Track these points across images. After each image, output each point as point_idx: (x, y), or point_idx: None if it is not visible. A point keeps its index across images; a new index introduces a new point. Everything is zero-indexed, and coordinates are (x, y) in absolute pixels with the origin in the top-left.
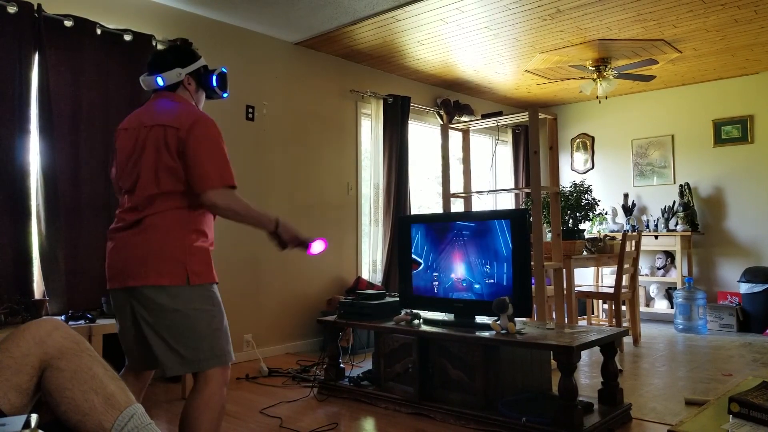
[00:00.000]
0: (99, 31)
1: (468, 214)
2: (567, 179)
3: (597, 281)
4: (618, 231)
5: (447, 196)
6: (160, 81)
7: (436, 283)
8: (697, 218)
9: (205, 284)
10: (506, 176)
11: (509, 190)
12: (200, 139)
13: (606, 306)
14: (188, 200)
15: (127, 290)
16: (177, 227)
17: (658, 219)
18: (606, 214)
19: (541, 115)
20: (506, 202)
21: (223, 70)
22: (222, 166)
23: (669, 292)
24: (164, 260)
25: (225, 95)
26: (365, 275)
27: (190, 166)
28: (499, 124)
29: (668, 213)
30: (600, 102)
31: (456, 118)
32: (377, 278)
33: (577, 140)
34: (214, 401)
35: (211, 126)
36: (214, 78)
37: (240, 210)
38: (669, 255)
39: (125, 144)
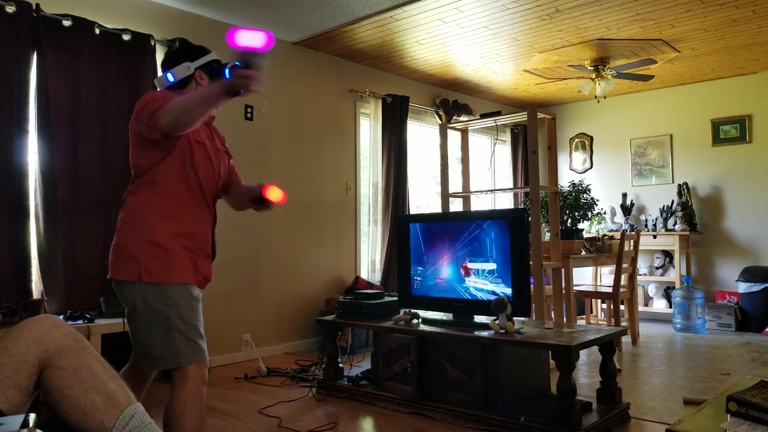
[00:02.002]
0: (97, 31)
1: (467, 214)
2: (565, 179)
3: (595, 281)
4: (616, 230)
5: (446, 195)
6: (170, 77)
7: (435, 283)
8: (696, 218)
9: (159, 284)
10: (505, 176)
11: (508, 189)
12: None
13: (604, 305)
14: (160, 191)
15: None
16: (143, 217)
17: (656, 218)
18: (604, 213)
19: (540, 115)
20: (505, 202)
21: (237, 63)
22: (150, 102)
23: (667, 292)
24: (123, 255)
25: (242, 90)
26: (364, 275)
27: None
28: (497, 123)
29: (667, 212)
30: (598, 102)
31: (455, 117)
32: (376, 278)
33: (576, 140)
34: (192, 400)
35: (153, 93)
36: (227, 72)
37: (182, 107)
38: (667, 254)
39: None
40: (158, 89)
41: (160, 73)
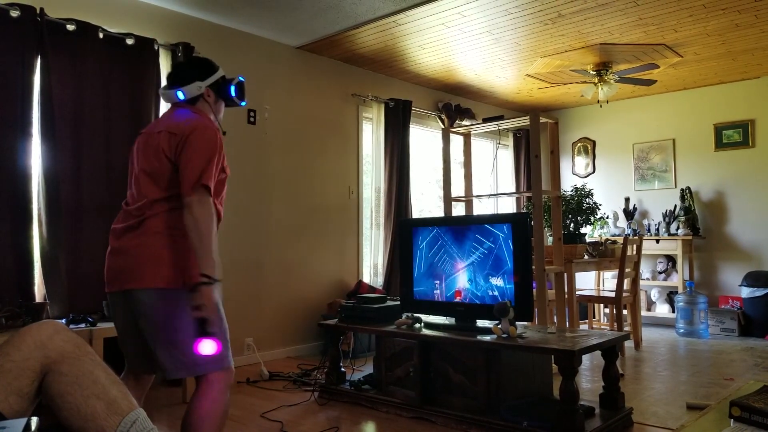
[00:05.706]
0: (101, 35)
1: (469, 218)
2: (568, 183)
3: (598, 285)
4: (619, 235)
5: (448, 199)
6: (180, 95)
7: (437, 287)
8: (699, 222)
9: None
10: (507, 180)
11: (510, 194)
12: (193, 145)
13: (607, 310)
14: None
15: (124, 293)
16: (174, 231)
17: (659, 223)
18: (607, 218)
19: (543, 119)
20: (507, 206)
21: (241, 79)
22: (203, 168)
23: (670, 296)
24: (162, 263)
25: (243, 103)
26: (366, 279)
27: (180, 169)
28: (500, 128)
29: (669, 217)
30: (601, 106)
31: (457, 122)
32: (378, 282)
33: (578, 144)
34: (218, 406)
35: (208, 131)
36: (233, 88)
37: (202, 228)
38: (670, 259)
39: (138, 147)
40: (165, 101)
41: (164, 81)
